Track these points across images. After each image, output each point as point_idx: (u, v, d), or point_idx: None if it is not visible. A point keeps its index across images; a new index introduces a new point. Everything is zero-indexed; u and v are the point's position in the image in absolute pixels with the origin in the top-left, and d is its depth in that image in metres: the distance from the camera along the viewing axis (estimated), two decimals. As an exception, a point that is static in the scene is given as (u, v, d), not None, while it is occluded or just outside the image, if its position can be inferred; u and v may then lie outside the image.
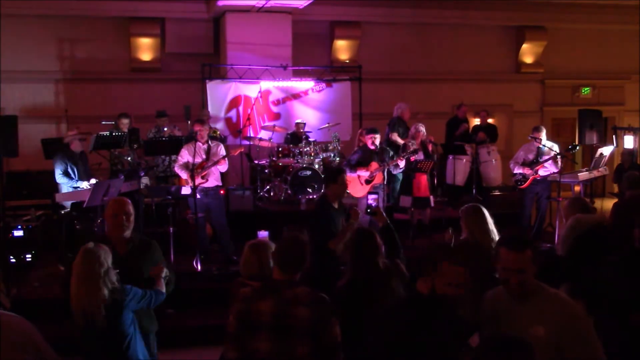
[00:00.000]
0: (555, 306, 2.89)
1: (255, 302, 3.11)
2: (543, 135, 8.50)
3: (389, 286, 3.78)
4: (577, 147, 8.36)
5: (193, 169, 7.16)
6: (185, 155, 7.49)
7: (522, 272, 2.90)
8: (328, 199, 5.51)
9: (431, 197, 8.51)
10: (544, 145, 8.48)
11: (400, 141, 9.55)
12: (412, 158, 8.05)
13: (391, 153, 8.14)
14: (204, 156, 7.49)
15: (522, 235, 3.40)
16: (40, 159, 8.71)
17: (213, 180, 7.54)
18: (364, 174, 7.74)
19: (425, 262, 3.16)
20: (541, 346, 2.67)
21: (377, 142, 7.83)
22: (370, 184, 7.75)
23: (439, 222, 8.71)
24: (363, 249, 3.91)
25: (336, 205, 5.48)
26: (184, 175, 7.53)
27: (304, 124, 10.47)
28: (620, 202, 6.43)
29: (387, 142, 9.56)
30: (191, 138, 7.88)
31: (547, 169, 8.47)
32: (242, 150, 8.82)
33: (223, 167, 7.61)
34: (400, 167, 7.99)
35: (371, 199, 4.96)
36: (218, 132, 9.83)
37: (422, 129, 8.58)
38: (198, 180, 7.33)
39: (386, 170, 7.88)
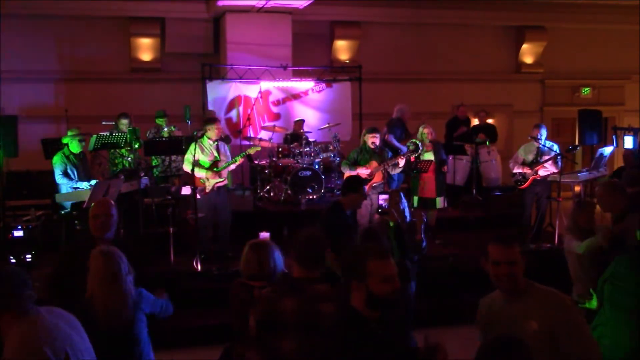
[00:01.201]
0: (546, 300, 2.99)
1: (278, 303, 3.08)
2: (543, 133, 8.47)
3: None
4: (578, 148, 8.33)
5: (212, 168, 7.16)
6: (198, 155, 7.45)
7: (512, 264, 3.01)
8: (343, 206, 5.48)
9: (440, 199, 8.41)
10: (544, 145, 8.47)
11: (397, 144, 9.51)
12: (412, 158, 8.02)
13: (390, 154, 8.09)
14: (215, 154, 7.55)
15: (509, 234, 3.49)
16: (40, 159, 8.69)
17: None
18: (364, 171, 7.71)
19: (351, 271, 2.95)
20: (536, 340, 2.76)
21: (377, 141, 7.81)
22: (369, 183, 7.72)
23: (439, 222, 8.72)
24: None
25: (348, 213, 5.48)
26: (201, 174, 7.50)
27: (303, 121, 10.46)
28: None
29: (384, 142, 9.52)
30: (191, 138, 7.89)
31: (547, 169, 8.46)
32: (259, 149, 8.74)
33: (232, 165, 7.75)
34: (400, 166, 7.93)
35: (382, 199, 4.99)
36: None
37: (427, 130, 8.47)
38: (217, 179, 7.44)
39: (385, 170, 7.83)
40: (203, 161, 7.49)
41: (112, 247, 3.70)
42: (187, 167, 7.51)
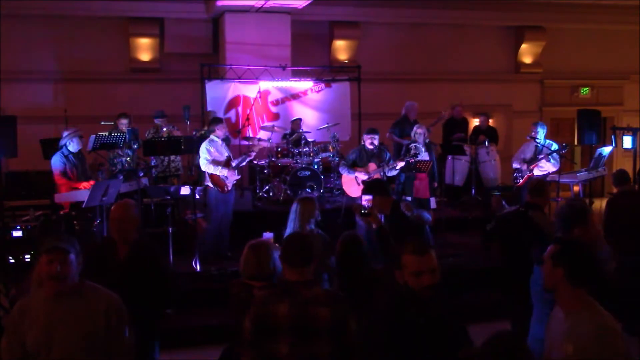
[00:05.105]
0: (590, 326, 2.82)
1: (272, 305, 3.06)
2: (540, 131, 8.45)
3: (376, 294, 3.72)
4: (567, 147, 8.43)
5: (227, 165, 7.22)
6: (212, 154, 7.57)
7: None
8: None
9: (432, 199, 8.42)
10: (542, 145, 8.43)
11: (397, 139, 9.56)
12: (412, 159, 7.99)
13: (389, 155, 8.02)
14: (226, 153, 7.73)
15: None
16: (39, 159, 8.69)
17: None
18: (363, 175, 7.69)
19: (395, 261, 3.14)
20: None
21: (376, 142, 7.78)
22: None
23: (438, 222, 8.71)
24: (348, 258, 3.92)
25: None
26: (223, 173, 7.57)
27: (300, 119, 10.46)
28: (613, 197, 6.47)
29: (394, 143, 9.63)
30: (190, 138, 7.91)
31: (544, 168, 8.42)
32: (261, 147, 8.97)
33: (245, 161, 8.13)
34: (397, 168, 7.85)
35: (365, 200, 4.81)
36: None
37: (421, 130, 8.45)
38: (235, 176, 7.66)
39: (383, 172, 7.80)
40: (219, 161, 7.60)
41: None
42: (208, 169, 7.57)
